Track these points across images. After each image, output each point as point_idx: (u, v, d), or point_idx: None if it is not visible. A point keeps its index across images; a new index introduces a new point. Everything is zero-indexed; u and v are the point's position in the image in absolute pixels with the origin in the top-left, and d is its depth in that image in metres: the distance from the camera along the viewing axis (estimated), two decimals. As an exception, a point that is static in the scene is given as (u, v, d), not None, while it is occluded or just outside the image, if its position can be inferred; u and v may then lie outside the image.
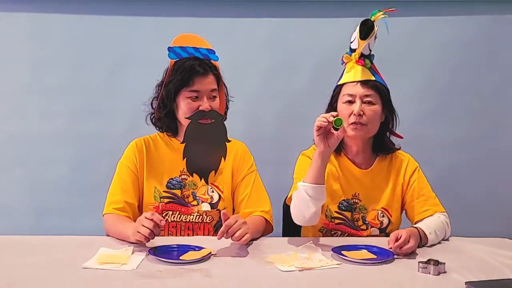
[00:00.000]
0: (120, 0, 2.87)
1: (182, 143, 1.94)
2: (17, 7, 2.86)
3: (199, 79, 1.97)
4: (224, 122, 2.02)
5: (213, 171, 1.98)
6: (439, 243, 1.91)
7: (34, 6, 2.86)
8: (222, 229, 1.73)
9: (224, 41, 2.65)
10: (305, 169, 1.94)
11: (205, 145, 1.94)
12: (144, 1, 2.88)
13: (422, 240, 1.85)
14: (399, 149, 2.11)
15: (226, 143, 1.96)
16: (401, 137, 2.10)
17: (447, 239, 1.95)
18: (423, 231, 1.86)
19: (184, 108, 1.98)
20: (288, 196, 2.04)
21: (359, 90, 1.98)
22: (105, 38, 2.90)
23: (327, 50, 2.82)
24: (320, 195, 1.85)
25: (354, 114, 1.96)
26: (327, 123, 1.81)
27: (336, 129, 1.82)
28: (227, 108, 2.13)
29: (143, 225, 1.72)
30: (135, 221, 1.98)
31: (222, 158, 1.96)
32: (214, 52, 2.05)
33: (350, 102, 1.99)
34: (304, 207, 1.87)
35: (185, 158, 1.94)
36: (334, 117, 1.81)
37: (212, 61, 2.04)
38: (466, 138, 2.99)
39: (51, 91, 2.90)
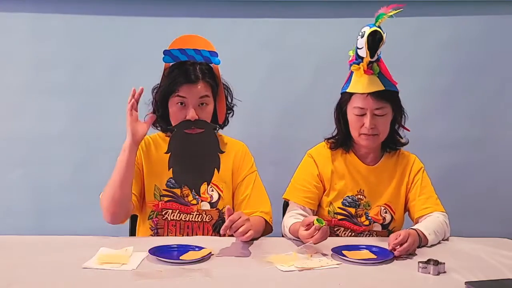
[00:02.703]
0: (120, 0, 2.87)
1: (166, 153, 1.87)
2: (17, 7, 2.86)
3: (186, 86, 1.91)
4: (224, 127, 2.01)
5: (205, 183, 1.92)
6: (438, 243, 1.90)
7: (34, 6, 2.86)
8: (226, 223, 1.72)
9: (224, 41, 2.65)
10: (305, 173, 2.06)
11: (194, 157, 1.86)
12: (144, 1, 2.88)
13: (422, 241, 1.84)
14: (406, 143, 2.11)
15: (220, 153, 1.89)
16: (408, 130, 2.09)
17: (446, 239, 1.95)
18: (422, 232, 1.85)
19: (172, 116, 1.95)
20: (285, 194, 2.10)
21: (370, 103, 1.94)
22: (105, 38, 2.90)
23: (327, 50, 2.83)
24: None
25: (365, 127, 1.96)
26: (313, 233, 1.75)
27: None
28: (232, 113, 2.10)
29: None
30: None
31: (216, 170, 1.89)
32: (217, 55, 1.97)
33: (361, 114, 1.96)
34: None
35: (171, 169, 1.87)
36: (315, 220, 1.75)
37: (212, 64, 1.99)
38: (466, 138, 2.99)
39: (51, 91, 2.91)
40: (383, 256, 1.71)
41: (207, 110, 1.96)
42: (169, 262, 1.63)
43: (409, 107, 2.86)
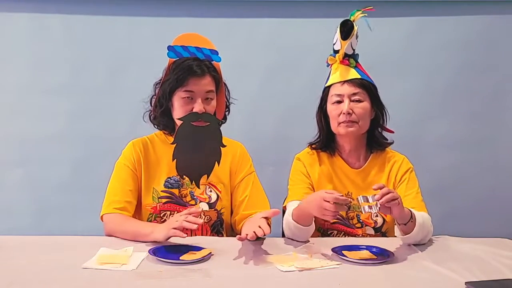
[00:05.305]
0: (120, 0, 2.87)
1: (172, 143, 1.89)
2: (17, 7, 2.87)
3: (194, 79, 1.93)
4: (222, 125, 2.01)
5: (205, 175, 1.94)
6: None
7: (34, 6, 2.87)
8: (252, 234, 1.69)
9: (224, 41, 2.66)
10: (299, 175, 2.06)
11: (197, 148, 1.89)
12: (144, 1, 2.88)
13: (411, 217, 1.79)
14: (392, 143, 2.12)
15: (221, 147, 1.91)
16: (392, 132, 2.10)
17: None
18: (411, 211, 1.81)
19: (177, 109, 1.96)
20: (284, 204, 2.08)
21: (346, 89, 2.01)
22: (105, 38, 2.91)
23: (327, 50, 2.81)
24: (304, 234, 1.88)
25: (344, 113, 1.99)
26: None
27: None
28: (228, 110, 2.11)
29: (176, 221, 1.72)
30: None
31: (216, 163, 1.92)
32: (217, 53, 2.01)
33: (339, 102, 2.02)
34: (292, 235, 1.91)
35: (175, 159, 1.89)
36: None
37: (213, 62, 2.01)
38: (466, 139, 3.00)
39: (51, 91, 2.91)
40: (383, 256, 1.71)
41: (212, 105, 1.99)
42: (169, 262, 1.63)
43: (408, 108, 2.89)
